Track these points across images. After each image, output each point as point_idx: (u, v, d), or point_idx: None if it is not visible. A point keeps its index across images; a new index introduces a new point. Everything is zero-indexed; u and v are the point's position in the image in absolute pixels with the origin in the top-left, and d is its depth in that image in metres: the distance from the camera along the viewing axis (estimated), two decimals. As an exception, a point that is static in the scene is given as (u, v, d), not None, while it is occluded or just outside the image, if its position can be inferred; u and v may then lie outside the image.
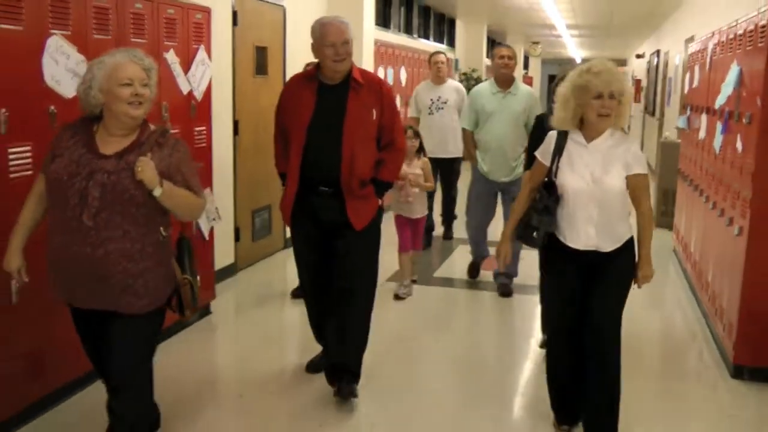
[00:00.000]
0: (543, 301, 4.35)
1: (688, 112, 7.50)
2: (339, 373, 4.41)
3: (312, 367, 4.78)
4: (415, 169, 6.22)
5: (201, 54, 5.36)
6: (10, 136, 3.71)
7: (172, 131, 4.95)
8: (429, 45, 14.23)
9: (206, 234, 5.63)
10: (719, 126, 5.52)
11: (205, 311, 5.76)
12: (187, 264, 3.44)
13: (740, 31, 5.16)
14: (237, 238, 6.93)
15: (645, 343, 5.46)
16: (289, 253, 7.81)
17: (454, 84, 8.47)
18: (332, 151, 4.18)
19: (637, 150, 3.70)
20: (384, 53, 10.46)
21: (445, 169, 8.23)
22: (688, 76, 7.93)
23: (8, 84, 3.71)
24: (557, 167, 3.68)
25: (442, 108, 8.09)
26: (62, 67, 4.04)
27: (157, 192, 3.09)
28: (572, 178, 3.64)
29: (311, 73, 4.36)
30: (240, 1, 6.75)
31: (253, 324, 5.85)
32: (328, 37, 4.15)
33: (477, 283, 6.94)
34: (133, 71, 3.12)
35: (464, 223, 7.04)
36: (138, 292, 3.17)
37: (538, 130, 4.84)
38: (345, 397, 4.33)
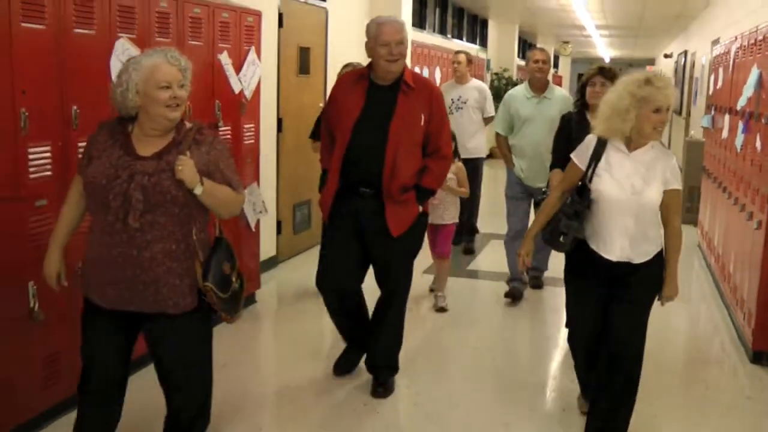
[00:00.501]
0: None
1: (712, 112, 7.77)
2: (376, 370, 4.52)
3: (338, 368, 4.76)
4: (449, 174, 5.74)
5: (252, 55, 5.71)
6: (80, 131, 4.04)
7: (224, 128, 5.40)
8: (463, 45, 14.52)
9: (252, 226, 5.97)
10: (740, 126, 5.80)
11: (251, 300, 6.12)
12: (213, 266, 3.21)
13: (760, 37, 5.45)
14: (279, 231, 7.28)
15: (671, 332, 5.75)
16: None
17: (476, 83, 8.29)
18: (376, 152, 4.15)
19: (676, 165, 3.62)
20: (420, 53, 10.78)
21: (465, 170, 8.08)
22: (712, 77, 8.19)
23: (82, 83, 4.06)
24: (593, 173, 3.59)
25: (462, 108, 7.97)
26: (129, 68, 4.40)
27: (198, 190, 3.06)
28: (612, 186, 3.55)
29: (364, 72, 4.36)
30: (285, 3, 7.11)
31: (297, 314, 6.10)
32: (383, 36, 4.12)
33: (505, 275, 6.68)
34: (170, 73, 3.08)
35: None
36: (184, 291, 3.14)
37: (564, 130, 5.04)
38: (380, 396, 4.44)
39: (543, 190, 5.26)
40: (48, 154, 3.87)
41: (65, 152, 3.97)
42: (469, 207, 7.76)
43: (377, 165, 4.15)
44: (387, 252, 4.34)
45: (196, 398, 3.36)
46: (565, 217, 3.65)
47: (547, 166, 5.79)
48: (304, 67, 7.60)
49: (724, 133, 6.68)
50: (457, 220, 6.19)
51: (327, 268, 4.47)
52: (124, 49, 4.34)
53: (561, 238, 3.69)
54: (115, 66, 4.29)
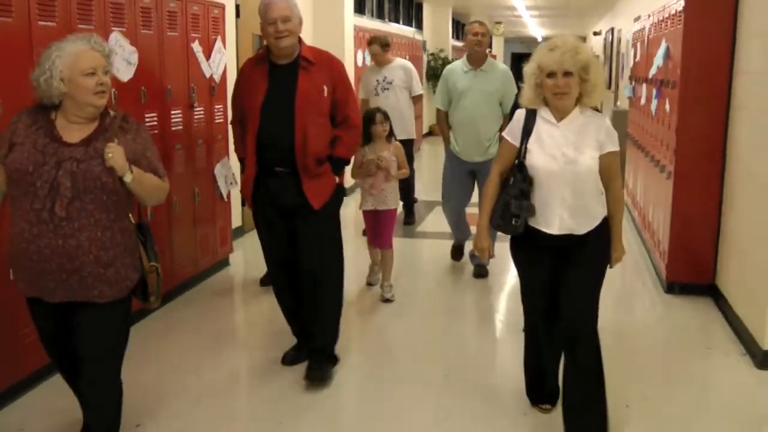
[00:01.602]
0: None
1: (632, 83, 8.64)
2: (313, 354, 4.42)
3: (287, 359, 4.65)
4: (389, 156, 5.77)
5: (218, 44, 6.33)
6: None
7: (198, 109, 6.03)
8: (400, 28, 15.23)
9: (225, 196, 6.61)
10: (654, 92, 6.64)
11: (225, 262, 6.79)
12: (150, 248, 3.31)
13: (667, 15, 6.28)
14: (243, 204, 7.89)
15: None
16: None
17: (400, 62, 8.12)
18: (285, 130, 4.17)
19: (610, 127, 3.52)
20: (361, 38, 11.34)
21: None
22: (632, 51, 9.06)
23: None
24: (526, 148, 3.51)
25: (387, 88, 7.86)
26: (120, 57, 4.97)
27: (128, 178, 3.05)
28: (544, 159, 3.46)
29: (263, 55, 4.37)
30: (241, -5, 7.74)
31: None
32: (269, 13, 4.16)
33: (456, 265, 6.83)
34: (96, 59, 3.05)
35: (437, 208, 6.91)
36: (110, 281, 3.11)
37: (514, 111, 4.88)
38: (313, 382, 4.29)
39: None
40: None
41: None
42: (405, 187, 7.61)
43: (288, 142, 4.18)
44: (312, 227, 4.34)
45: (110, 392, 3.31)
46: (513, 198, 3.51)
47: (484, 141, 6.11)
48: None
49: (642, 101, 7.56)
50: (398, 206, 5.99)
51: (265, 248, 4.57)
52: (116, 40, 4.93)
53: (513, 221, 3.54)
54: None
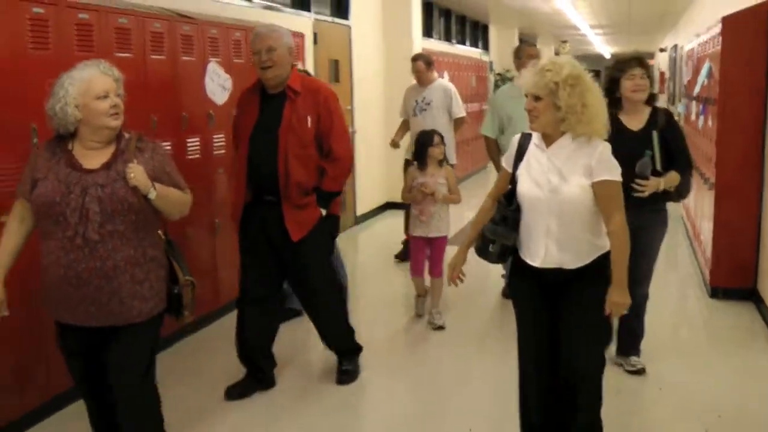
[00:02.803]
0: None
1: (685, 100, 9.10)
2: (337, 354, 4.74)
3: (229, 394, 4.53)
4: (439, 179, 5.65)
5: (301, 67, 7.01)
6: (187, 131, 5.37)
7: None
8: (467, 50, 15.84)
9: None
10: (700, 108, 7.12)
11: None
12: (184, 265, 3.38)
13: (709, 36, 6.78)
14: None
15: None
16: (362, 227, 9.52)
17: (441, 83, 7.83)
18: (270, 159, 4.23)
19: (606, 153, 3.19)
20: (429, 60, 11.93)
21: None
22: (685, 69, 9.52)
23: (187, 97, 5.38)
24: (517, 174, 3.33)
25: (426, 109, 7.53)
26: (216, 83, 5.70)
27: (152, 195, 3.13)
28: (528, 185, 3.26)
29: (257, 84, 4.45)
30: (317, 24, 8.44)
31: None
32: (254, 44, 4.26)
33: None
34: (106, 83, 3.12)
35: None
36: (145, 296, 3.18)
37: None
38: (343, 383, 4.63)
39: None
40: None
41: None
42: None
43: (272, 171, 4.24)
44: (296, 257, 4.39)
45: (144, 416, 3.35)
46: (491, 223, 3.38)
47: None
48: (335, 76, 8.90)
49: (692, 117, 8.02)
50: (449, 233, 5.83)
51: (246, 277, 4.54)
52: (213, 69, 5.65)
53: (490, 247, 3.38)
54: (209, 86, 5.60)
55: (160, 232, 3.33)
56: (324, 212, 4.41)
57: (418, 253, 5.80)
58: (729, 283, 6.28)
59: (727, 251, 6.22)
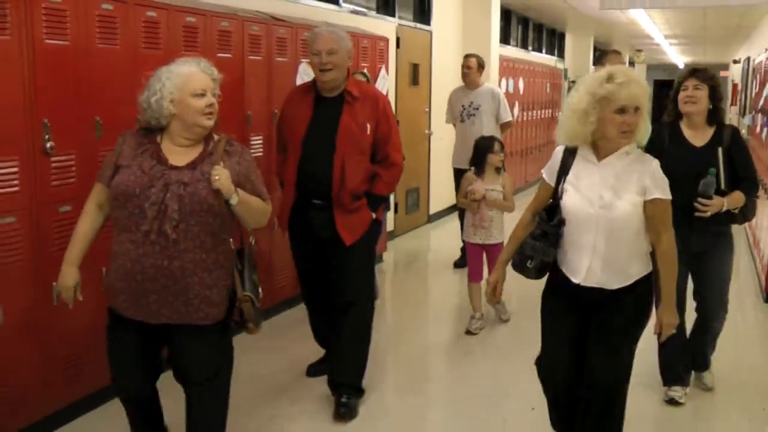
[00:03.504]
0: None
1: (752, 112, 9.33)
2: (339, 387, 4.38)
3: (311, 370, 4.83)
4: (496, 186, 5.63)
5: (382, 71, 7.49)
6: (251, 128, 5.49)
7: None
8: (542, 57, 16.15)
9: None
10: (765, 120, 7.39)
11: (379, 259, 7.80)
12: (247, 277, 3.25)
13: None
14: (396, 210, 9.01)
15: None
16: (433, 226, 9.93)
17: (489, 87, 7.77)
18: (324, 164, 4.15)
19: (658, 170, 3.14)
20: (505, 67, 12.29)
21: None
22: (754, 81, 9.74)
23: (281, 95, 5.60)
24: (562, 188, 3.21)
25: (474, 114, 7.52)
26: (308, 82, 6.15)
27: (234, 200, 3.05)
28: (577, 200, 3.15)
29: (310, 86, 4.36)
30: (400, 28, 8.88)
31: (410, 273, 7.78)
32: (315, 45, 4.15)
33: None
34: (205, 81, 3.08)
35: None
36: (214, 302, 3.11)
37: (654, 144, 4.09)
38: (342, 418, 4.26)
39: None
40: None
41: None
42: None
43: (326, 177, 4.15)
44: (343, 261, 4.33)
45: (217, 415, 3.34)
46: (531, 238, 3.26)
47: None
48: (414, 80, 9.34)
49: (758, 129, 8.26)
50: (504, 239, 5.55)
51: (302, 278, 4.63)
52: (304, 69, 6.09)
53: (528, 263, 3.27)
54: (299, 81, 5.91)
55: (231, 240, 3.23)
56: (374, 216, 4.37)
57: (476, 259, 5.77)
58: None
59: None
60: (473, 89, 7.59)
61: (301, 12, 6.59)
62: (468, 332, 5.71)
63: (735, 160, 4.15)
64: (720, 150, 4.12)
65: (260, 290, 3.31)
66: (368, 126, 4.21)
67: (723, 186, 4.06)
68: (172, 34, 4.65)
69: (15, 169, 3.71)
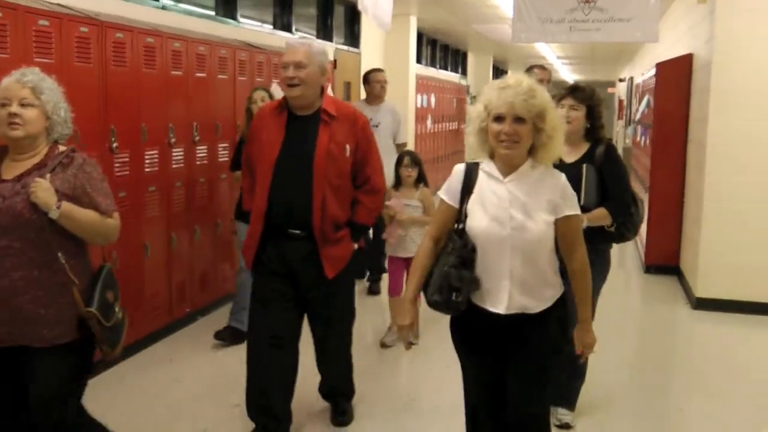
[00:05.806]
0: None
1: (633, 125, 11.20)
2: (332, 397, 4.35)
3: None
4: (412, 201, 5.51)
5: (329, 89, 8.80)
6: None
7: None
8: (449, 75, 17.78)
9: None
10: (641, 130, 9.18)
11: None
12: (98, 295, 2.99)
13: (648, 76, 8.82)
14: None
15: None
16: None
17: (390, 105, 7.25)
18: (302, 191, 3.75)
19: (567, 186, 2.92)
20: (420, 84, 13.62)
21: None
22: (634, 99, 11.61)
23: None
24: (467, 209, 2.92)
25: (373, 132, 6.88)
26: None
27: (54, 214, 2.84)
28: (486, 222, 2.86)
29: (282, 103, 3.90)
30: (337, 51, 10.27)
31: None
32: (284, 56, 3.79)
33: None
34: (12, 90, 2.91)
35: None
36: (49, 322, 2.90)
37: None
38: (342, 426, 4.23)
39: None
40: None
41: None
42: (379, 247, 6.43)
43: (305, 206, 3.77)
44: (325, 295, 3.98)
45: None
46: (452, 268, 2.87)
47: None
48: (347, 97, 10.66)
49: (638, 138, 10.07)
50: None
51: (260, 320, 4.01)
52: (276, 90, 7.11)
53: (454, 296, 2.88)
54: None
55: (61, 255, 2.94)
56: (356, 246, 4.06)
57: (396, 272, 5.60)
58: (659, 261, 8.28)
59: (658, 238, 8.22)
60: (376, 104, 7.16)
61: (243, 35, 7.36)
62: (383, 345, 5.64)
63: (605, 178, 4.05)
64: (585, 167, 4.01)
65: (117, 309, 3.11)
66: (347, 147, 3.85)
67: (583, 201, 3.85)
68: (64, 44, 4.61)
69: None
